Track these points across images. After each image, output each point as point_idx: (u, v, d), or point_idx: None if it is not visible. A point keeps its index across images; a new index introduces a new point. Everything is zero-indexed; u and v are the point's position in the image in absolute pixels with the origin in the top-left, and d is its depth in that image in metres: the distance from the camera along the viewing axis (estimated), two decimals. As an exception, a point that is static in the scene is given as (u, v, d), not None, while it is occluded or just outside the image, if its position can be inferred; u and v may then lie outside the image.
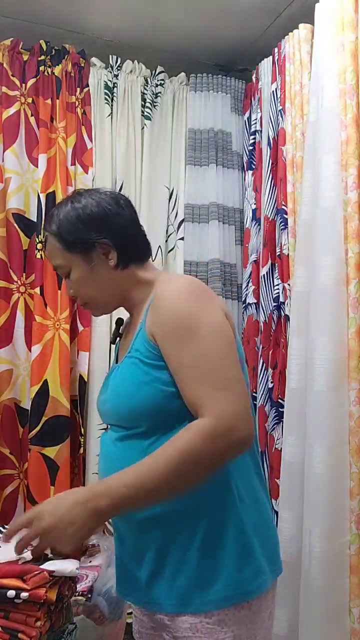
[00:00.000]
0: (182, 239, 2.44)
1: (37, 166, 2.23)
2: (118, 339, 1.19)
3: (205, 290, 1.00)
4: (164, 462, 0.85)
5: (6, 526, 0.95)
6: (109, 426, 1.09)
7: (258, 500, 1.01)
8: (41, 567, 0.92)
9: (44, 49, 2.25)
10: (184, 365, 0.90)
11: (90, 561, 1.52)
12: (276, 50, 2.22)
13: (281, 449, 1.90)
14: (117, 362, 1.13)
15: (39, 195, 2.20)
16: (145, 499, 0.87)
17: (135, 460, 0.87)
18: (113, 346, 1.24)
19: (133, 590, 1.01)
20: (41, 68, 2.25)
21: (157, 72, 2.44)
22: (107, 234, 1.05)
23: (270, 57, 2.28)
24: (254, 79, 2.48)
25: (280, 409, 2.00)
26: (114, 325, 2.55)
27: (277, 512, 1.83)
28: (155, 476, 0.85)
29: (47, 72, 2.26)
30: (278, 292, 2.08)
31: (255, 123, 2.41)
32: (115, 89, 2.37)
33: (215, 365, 0.89)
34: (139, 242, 1.11)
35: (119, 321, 1.21)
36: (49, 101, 2.25)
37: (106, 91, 2.37)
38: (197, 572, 0.93)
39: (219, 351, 0.91)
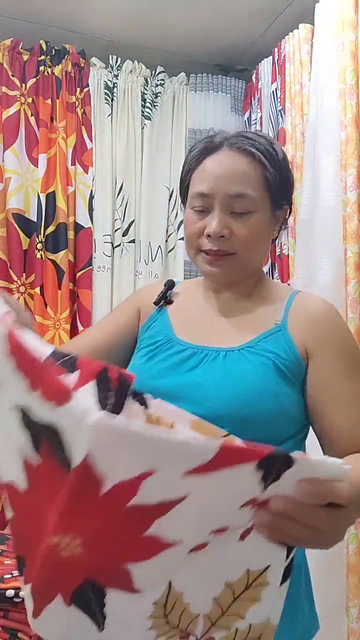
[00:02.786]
0: (182, 239, 2.44)
1: (37, 166, 2.24)
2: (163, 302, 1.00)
3: None
4: None
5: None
6: None
7: None
8: None
9: (44, 49, 2.26)
10: (356, 401, 0.82)
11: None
12: (276, 50, 2.22)
13: (281, 448, 1.90)
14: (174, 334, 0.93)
15: (39, 195, 2.21)
16: None
17: None
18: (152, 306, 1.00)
19: None
20: (41, 68, 2.26)
21: (157, 72, 2.45)
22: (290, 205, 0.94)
23: (270, 57, 2.28)
24: (254, 79, 2.48)
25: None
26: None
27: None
28: None
29: (47, 72, 2.27)
30: (278, 292, 2.09)
31: (255, 123, 2.41)
32: (115, 89, 2.38)
33: None
34: None
35: (170, 283, 1.02)
36: (49, 101, 2.25)
37: (106, 91, 2.37)
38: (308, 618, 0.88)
39: None
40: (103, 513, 0.46)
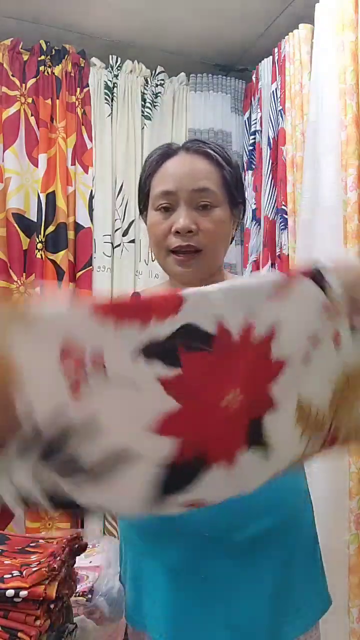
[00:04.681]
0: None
1: (37, 166, 2.23)
2: None
3: None
4: None
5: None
6: None
7: None
8: None
9: (44, 49, 2.26)
10: None
11: (90, 561, 1.52)
12: (276, 50, 2.22)
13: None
14: None
15: (39, 195, 2.20)
16: None
17: None
18: None
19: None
20: (41, 68, 2.26)
21: (157, 72, 2.45)
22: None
23: (270, 57, 2.28)
24: (254, 79, 2.48)
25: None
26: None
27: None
28: None
29: (47, 72, 2.26)
30: (278, 292, 2.09)
31: (255, 123, 2.41)
32: (115, 89, 2.38)
33: None
34: None
35: (137, 294, 1.05)
36: (49, 101, 2.25)
37: (106, 91, 2.37)
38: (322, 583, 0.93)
39: None
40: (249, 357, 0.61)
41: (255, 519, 0.84)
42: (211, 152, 0.93)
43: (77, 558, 1.08)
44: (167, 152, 0.95)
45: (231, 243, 1.01)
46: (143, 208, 0.99)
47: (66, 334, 0.56)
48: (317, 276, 0.62)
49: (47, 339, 0.56)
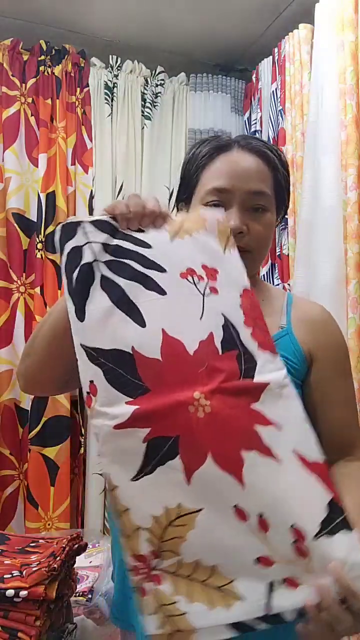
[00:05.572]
0: (182, 239, 2.44)
1: (37, 166, 2.24)
2: None
3: None
4: None
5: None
6: None
7: None
8: None
9: (44, 49, 2.26)
10: (349, 401, 0.91)
11: (90, 561, 1.52)
12: (276, 50, 2.22)
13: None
14: None
15: (39, 195, 2.20)
16: None
17: None
18: None
19: None
20: (41, 68, 2.26)
21: (157, 72, 2.45)
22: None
23: (270, 57, 2.29)
24: (254, 79, 2.48)
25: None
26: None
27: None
28: None
29: (47, 72, 2.26)
30: (278, 292, 2.09)
31: (255, 123, 2.41)
32: (115, 89, 2.38)
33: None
34: None
35: None
36: (49, 101, 2.25)
37: (106, 91, 2.37)
38: None
39: None
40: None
41: None
42: (269, 152, 0.90)
43: (77, 558, 1.08)
44: (219, 146, 0.90)
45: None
46: (185, 199, 0.95)
47: None
48: (340, 513, 0.66)
49: None
